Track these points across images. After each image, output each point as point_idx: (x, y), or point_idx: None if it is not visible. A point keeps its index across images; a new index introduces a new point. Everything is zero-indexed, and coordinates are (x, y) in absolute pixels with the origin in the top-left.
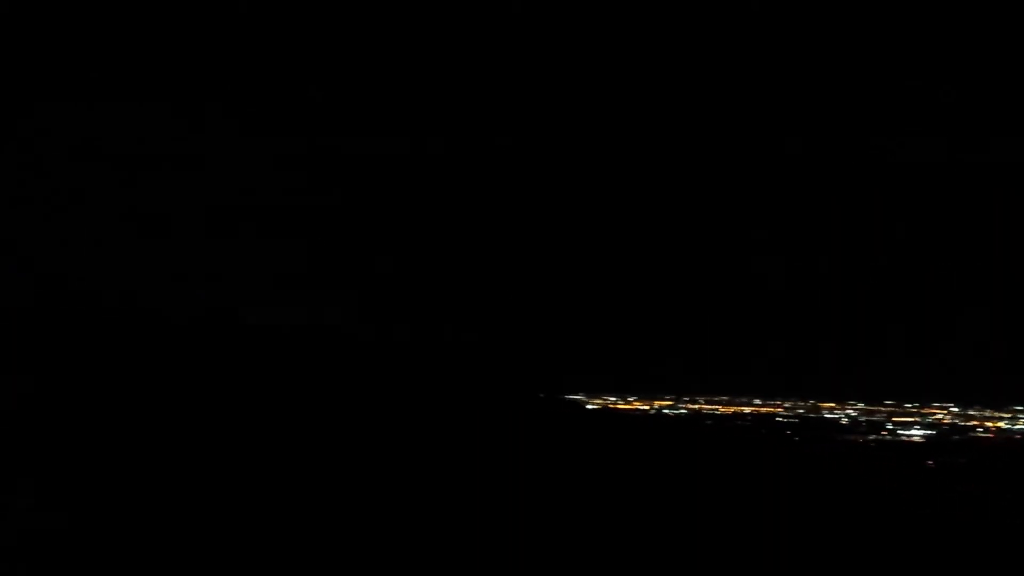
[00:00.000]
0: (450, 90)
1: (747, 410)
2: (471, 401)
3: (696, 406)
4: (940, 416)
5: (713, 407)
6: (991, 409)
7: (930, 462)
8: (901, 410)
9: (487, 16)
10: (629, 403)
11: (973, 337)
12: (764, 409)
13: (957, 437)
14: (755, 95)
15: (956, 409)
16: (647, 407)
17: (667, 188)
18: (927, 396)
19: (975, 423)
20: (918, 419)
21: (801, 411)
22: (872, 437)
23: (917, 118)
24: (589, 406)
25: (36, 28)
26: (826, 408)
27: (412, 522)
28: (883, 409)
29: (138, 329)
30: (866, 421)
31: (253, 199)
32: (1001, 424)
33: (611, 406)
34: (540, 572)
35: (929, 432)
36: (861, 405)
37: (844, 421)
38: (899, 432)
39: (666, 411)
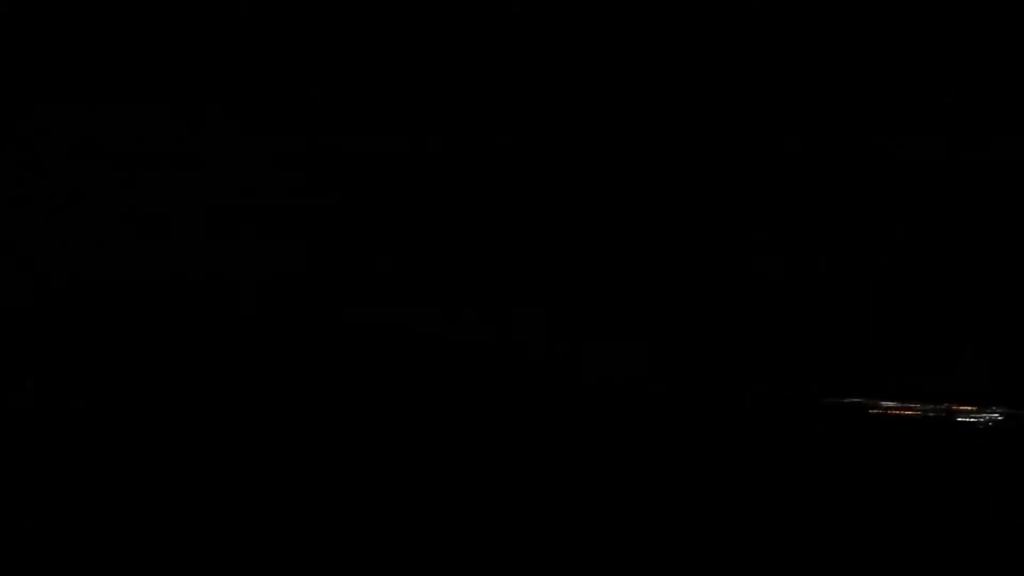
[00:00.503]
0: (450, 90)
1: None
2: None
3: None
4: None
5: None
6: None
7: None
8: None
9: (487, 16)
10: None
11: None
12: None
13: None
14: (755, 95)
15: None
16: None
17: (666, 188)
18: None
19: None
20: None
21: (932, 415)
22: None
23: (917, 118)
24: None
25: (36, 28)
26: (965, 411)
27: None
28: None
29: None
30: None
31: (253, 199)
32: None
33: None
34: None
35: None
36: (1003, 408)
37: (981, 427)
38: None
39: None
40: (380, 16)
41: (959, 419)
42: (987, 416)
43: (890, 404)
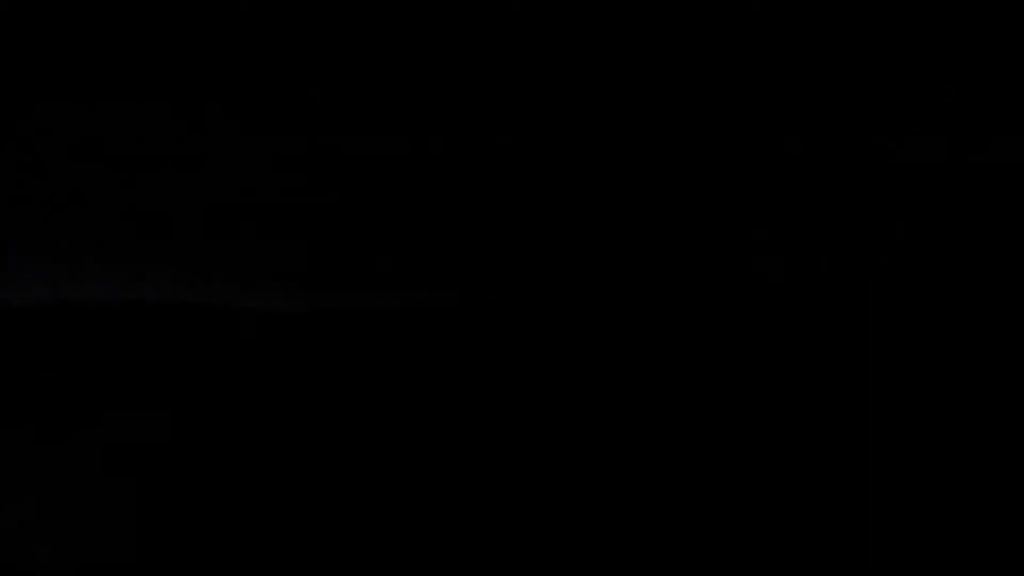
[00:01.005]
0: (450, 90)
1: None
2: None
3: None
4: None
5: None
6: None
7: None
8: None
9: (487, 16)
10: None
11: None
12: None
13: None
14: (755, 95)
15: None
16: None
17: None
18: None
19: None
20: None
21: None
22: None
23: (917, 118)
24: None
25: (37, 29)
26: None
27: None
28: None
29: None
30: None
31: (253, 199)
32: None
33: None
34: None
35: None
36: None
37: None
38: None
39: None
40: (380, 17)
41: None
42: None
43: None
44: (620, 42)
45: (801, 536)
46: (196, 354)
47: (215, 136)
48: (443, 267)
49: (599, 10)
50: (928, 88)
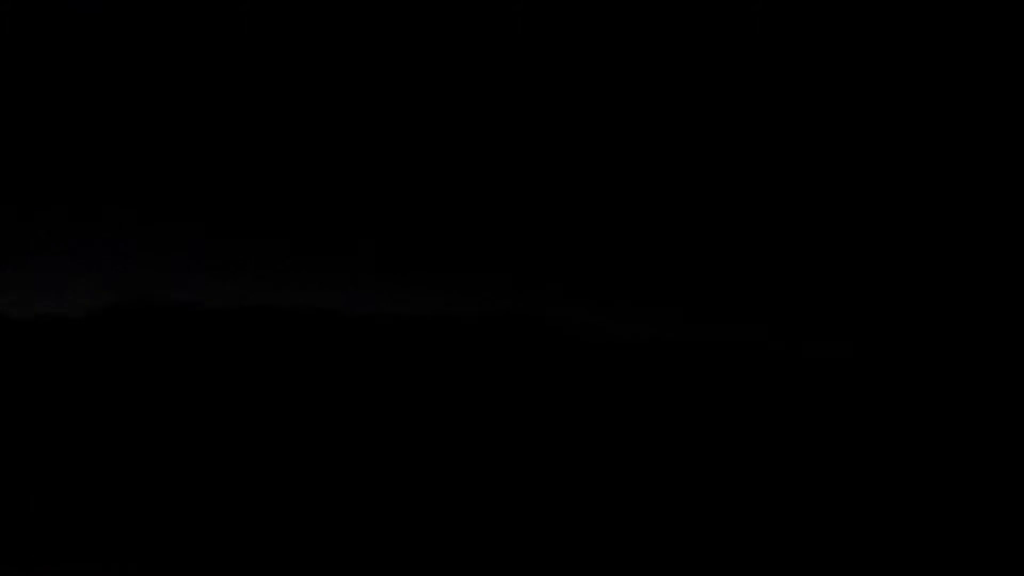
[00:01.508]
0: (450, 90)
1: None
2: None
3: None
4: None
5: None
6: None
7: None
8: None
9: (487, 17)
10: None
11: None
12: None
13: None
14: (755, 95)
15: None
16: None
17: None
18: None
19: None
20: None
21: None
22: None
23: (917, 118)
24: None
25: (37, 28)
26: None
27: None
28: None
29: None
30: None
31: (253, 199)
32: None
33: None
34: None
35: None
36: None
37: None
38: None
39: None
40: (380, 19)
41: None
42: None
43: None
44: (620, 43)
45: None
46: None
47: (215, 136)
48: None
49: (599, 12)
50: (928, 88)
